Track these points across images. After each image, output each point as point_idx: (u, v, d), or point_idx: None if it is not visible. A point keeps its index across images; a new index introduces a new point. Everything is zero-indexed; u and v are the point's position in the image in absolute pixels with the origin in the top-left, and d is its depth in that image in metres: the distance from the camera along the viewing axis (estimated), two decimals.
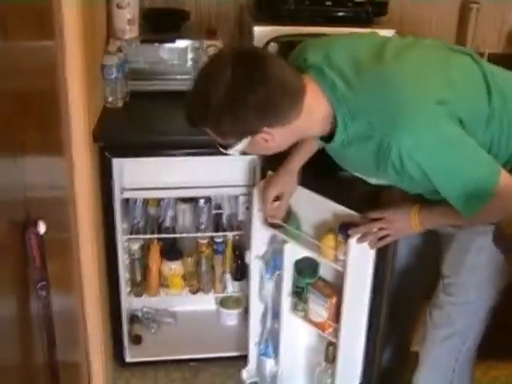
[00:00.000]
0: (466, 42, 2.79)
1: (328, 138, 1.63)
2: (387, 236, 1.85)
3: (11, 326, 1.32)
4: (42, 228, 1.33)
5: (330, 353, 2.12)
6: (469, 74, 1.66)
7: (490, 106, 1.61)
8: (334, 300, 2.07)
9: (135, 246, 2.61)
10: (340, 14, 2.47)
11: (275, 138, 1.55)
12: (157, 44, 2.53)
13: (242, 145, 1.56)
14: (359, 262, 1.94)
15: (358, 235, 1.87)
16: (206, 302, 2.86)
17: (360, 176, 1.79)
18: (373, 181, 1.78)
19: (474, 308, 1.87)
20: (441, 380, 1.98)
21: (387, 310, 2.07)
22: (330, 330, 2.11)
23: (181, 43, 2.52)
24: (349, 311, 2.00)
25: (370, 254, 1.94)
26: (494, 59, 2.77)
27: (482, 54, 2.79)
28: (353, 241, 1.88)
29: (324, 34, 2.34)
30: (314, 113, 1.56)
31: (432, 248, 1.97)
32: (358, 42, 1.67)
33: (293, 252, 2.13)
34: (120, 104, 2.41)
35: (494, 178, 1.54)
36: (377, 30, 2.31)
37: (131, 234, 2.57)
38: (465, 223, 1.73)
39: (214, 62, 1.56)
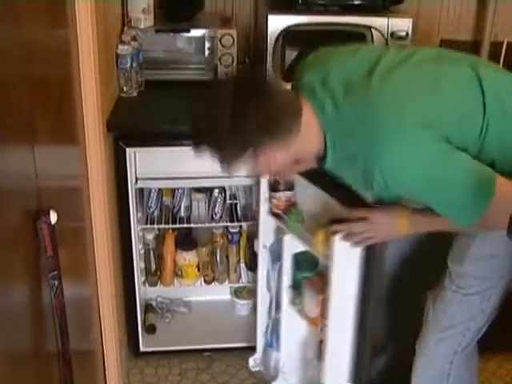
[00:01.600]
0: (484, 30, 2.74)
1: (321, 158, 1.68)
2: (372, 237, 1.80)
3: (24, 314, 1.33)
4: (53, 217, 1.33)
5: (321, 350, 2.08)
6: (462, 87, 1.64)
7: (484, 117, 1.60)
8: (324, 296, 2.02)
9: (150, 236, 2.62)
10: (356, 2, 2.45)
11: (276, 157, 1.60)
12: (171, 33, 2.52)
13: (245, 165, 1.61)
14: (345, 258, 1.88)
15: (342, 233, 1.82)
16: (220, 292, 2.86)
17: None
18: (370, 198, 1.80)
19: (476, 300, 1.81)
20: (437, 371, 1.92)
21: (386, 311, 2.04)
22: (321, 326, 2.07)
23: (196, 32, 2.51)
24: (335, 308, 1.95)
25: (356, 251, 1.87)
26: None
27: (501, 43, 2.76)
28: (338, 237, 1.82)
29: (339, 24, 2.35)
30: (309, 133, 1.61)
31: (440, 241, 1.91)
32: (355, 60, 1.68)
33: (292, 244, 2.10)
34: (135, 93, 2.41)
35: (489, 187, 1.52)
36: (393, 19, 2.36)
37: (146, 223, 2.57)
38: (464, 230, 1.70)
39: (216, 89, 1.63)
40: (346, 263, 1.90)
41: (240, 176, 2.41)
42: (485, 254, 1.76)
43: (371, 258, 1.88)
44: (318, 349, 2.11)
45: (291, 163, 1.69)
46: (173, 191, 2.60)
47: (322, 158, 1.68)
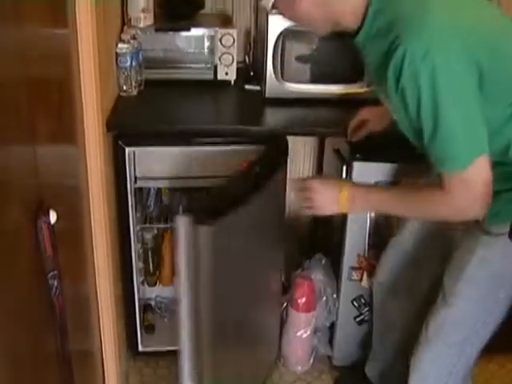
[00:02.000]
0: None
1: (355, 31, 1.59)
2: (309, 207, 1.73)
3: (22, 314, 1.32)
4: (52, 217, 1.33)
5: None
6: None
7: None
8: None
9: (148, 236, 2.61)
10: None
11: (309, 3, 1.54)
12: (171, 32, 2.52)
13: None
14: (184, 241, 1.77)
15: None
16: None
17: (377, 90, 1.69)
18: (384, 99, 1.64)
19: (471, 321, 1.73)
20: None
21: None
22: None
23: (196, 31, 2.51)
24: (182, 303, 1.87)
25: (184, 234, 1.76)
26: None
27: None
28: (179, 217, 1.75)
29: None
30: None
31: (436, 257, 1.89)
32: None
33: None
34: (134, 92, 2.40)
35: (474, 152, 1.44)
36: None
37: (145, 223, 2.57)
38: (410, 215, 1.67)
39: None
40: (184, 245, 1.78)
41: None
42: (481, 275, 1.68)
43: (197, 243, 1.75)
44: None
45: (323, 18, 1.59)
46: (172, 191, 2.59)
47: (355, 32, 1.58)
